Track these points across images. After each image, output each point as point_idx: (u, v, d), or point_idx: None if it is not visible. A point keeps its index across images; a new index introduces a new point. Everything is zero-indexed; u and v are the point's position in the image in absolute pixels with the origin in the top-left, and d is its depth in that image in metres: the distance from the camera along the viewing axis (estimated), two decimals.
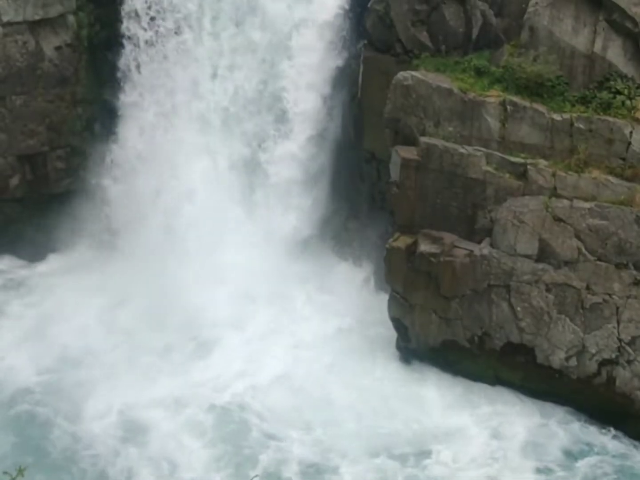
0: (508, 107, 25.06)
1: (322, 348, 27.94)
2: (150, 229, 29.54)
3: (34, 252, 30.58)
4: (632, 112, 24.42)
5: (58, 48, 29.18)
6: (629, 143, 24.14)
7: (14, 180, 30.02)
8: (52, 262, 31.20)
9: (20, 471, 9.86)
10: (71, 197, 30.39)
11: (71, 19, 29.26)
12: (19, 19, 28.35)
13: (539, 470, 24.28)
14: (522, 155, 25.13)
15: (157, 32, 29.75)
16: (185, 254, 28.60)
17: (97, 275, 29.86)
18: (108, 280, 29.32)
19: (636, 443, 24.87)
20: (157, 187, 29.99)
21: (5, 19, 28.13)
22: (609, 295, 24.41)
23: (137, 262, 28.88)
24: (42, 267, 31.16)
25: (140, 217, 29.90)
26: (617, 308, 24.39)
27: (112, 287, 29.07)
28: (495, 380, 26.19)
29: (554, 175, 24.60)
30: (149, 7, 29.50)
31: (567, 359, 25.10)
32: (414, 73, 26.22)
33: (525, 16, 25.37)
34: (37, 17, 28.62)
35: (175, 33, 29.73)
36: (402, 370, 27.03)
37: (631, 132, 24.08)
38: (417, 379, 26.86)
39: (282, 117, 30.14)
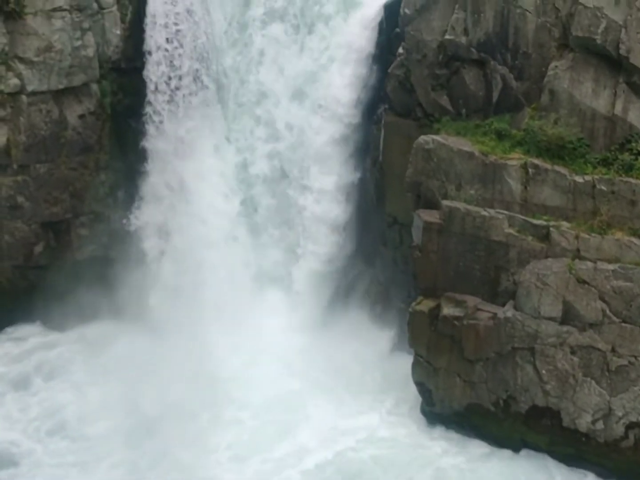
0: (530, 169, 26.12)
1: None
2: (179, 301, 30.77)
3: (58, 320, 31.42)
4: None
5: (82, 116, 30.67)
6: None
7: (38, 248, 31.24)
8: (75, 332, 31.87)
9: None
10: (95, 263, 31.51)
11: (95, 87, 30.78)
12: (44, 88, 29.86)
13: None
14: (545, 217, 26.03)
15: (178, 102, 31.70)
16: (217, 329, 29.78)
17: (121, 348, 30.37)
18: (133, 356, 29.65)
19: None
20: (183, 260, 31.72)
21: (30, 88, 29.64)
22: (635, 357, 24.97)
23: (167, 336, 29.74)
24: (65, 337, 31.82)
25: (170, 289, 31.34)
26: None
27: (137, 365, 29.30)
28: (521, 444, 26.66)
29: (577, 237, 25.47)
30: (169, 79, 31.66)
31: (594, 422, 25.60)
32: (435, 137, 27.36)
33: (545, 79, 26.54)
34: (61, 86, 30.13)
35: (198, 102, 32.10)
36: (425, 434, 28.04)
37: None
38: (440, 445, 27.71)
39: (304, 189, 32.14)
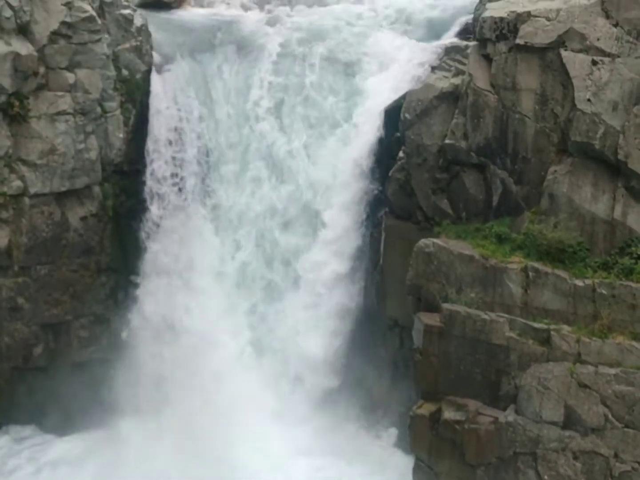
0: (530, 273, 26.72)
1: None
2: (183, 405, 31.16)
3: (58, 424, 31.83)
4: None
5: (83, 218, 31.48)
6: None
7: (38, 349, 31.70)
8: (76, 437, 32.11)
9: None
10: (94, 365, 32.03)
11: (97, 190, 31.67)
12: (46, 190, 30.71)
13: None
14: (545, 321, 26.53)
15: (178, 205, 32.93)
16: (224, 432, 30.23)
17: (128, 453, 30.42)
18: (141, 463, 29.80)
19: None
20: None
21: (32, 190, 30.46)
22: (639, 463, 25.16)
23: (172, 442, 30.15)
24: (64, 444, 32.09)
25: (171, 392, 31.85)
26: None
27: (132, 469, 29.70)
28: None
29: (577, 341, 25.92)
30: (171, 182, 32.84)
31: None
32: (435, 240, 28.07)
33: (545, 184, 27.40)
34: (63, 189, 30.98)
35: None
36: None
37: None
38: None
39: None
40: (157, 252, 32.61)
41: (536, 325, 26.63)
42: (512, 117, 27.82)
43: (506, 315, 26.97)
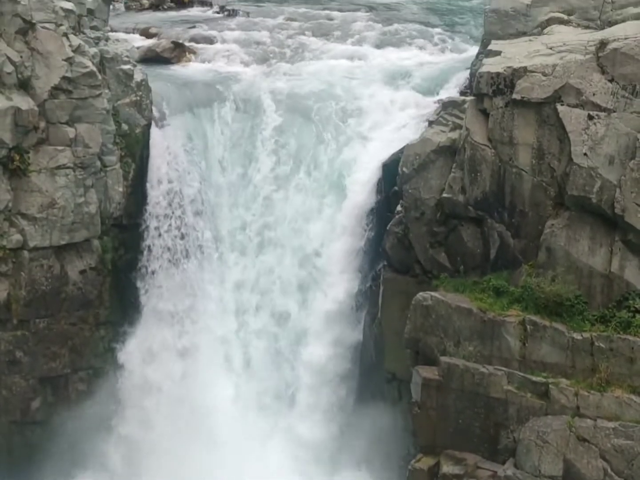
0: (528, 326, 26.89)
1: None
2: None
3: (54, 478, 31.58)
4: None
5: (83, 272, 31.60)
6: None
7: (35, 403, 31.63)
8: None
9: None
10: (93, 418, 31.74)
11: (96, 243, 31.80)
12: (46, 244, 30.83)
13: None
14: (544, 374, 26.66)
15: (177, 259, 33.19)
16: None
17: None
18: None
19: None
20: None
21: (32, 244, 30.60)
22: None
23: None
24: None
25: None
26: None
27: None
28: None
29: (576, 394, 26.04)
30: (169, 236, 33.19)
31: None
32: (433, 294, 28.31)
33: (542, 237, 27.63)
34: (63, 242, 31.10)
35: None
36: None
37: None
38: None
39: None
40: (155, 306, 32.87)
41: (534, 378, 26.75)
42: (509, 171, 28.15)
43: (504, 369, 27.09)
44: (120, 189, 32.29)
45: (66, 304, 31.76)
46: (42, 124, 30.78)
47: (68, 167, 31.02)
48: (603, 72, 27.11)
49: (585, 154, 26.89)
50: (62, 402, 32.12)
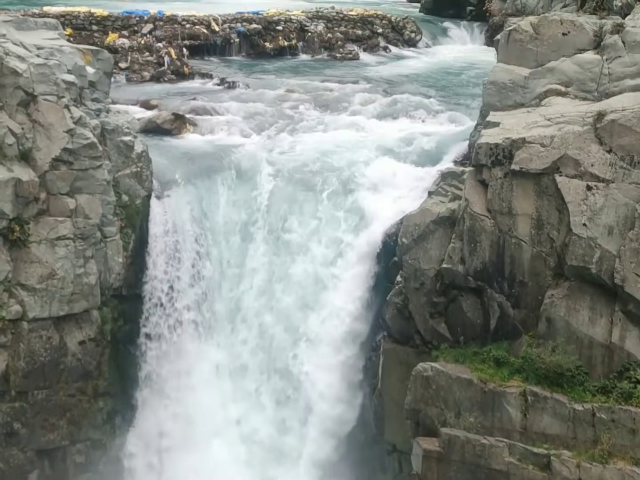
0: (529, 397, 26.85)
1: None
2: None
3: None
4: None
5: (82, 343, 31.46)
6: None
7: (33, 476, 31.28)
8: None
9: None
10: None
11: (96, 314, 31.74)
12: (45, 315, 30.75)
13: None
14: (545, 445, 26.55)
15: (175, 331, 33.23)
16: None
17: None
18: None
19: None
20: None
21: (31, 315, 30.52)
22: None
23: None
24: None
25: None
26: None
27: None
28: None
29: (578, 466, 25.88)
30: (168, 307, 33.28)
31: None
32: (433, 364, 28.29)
33: (542, 308, 27.76)
34: (62, 313, 31.04)
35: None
36: None
37: None
38: None
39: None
40: (155, 377, 32.80)
41: (536, 450, 26.65)
42: (508, 241, 28.31)
43: (506, 440, 27.01)
44: (120, 260, 32.38)
45: (65, 375, 31.58)
46: (43, 195, 30.95)
47: (68, 238, 31.11)
48: (601, 143, 27.41)
49: (584, 225, 27.08)
50: (60, 474, 31.87)
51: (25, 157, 30.79)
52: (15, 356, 30.84)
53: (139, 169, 33.21)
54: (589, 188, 27.16)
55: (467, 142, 33.03)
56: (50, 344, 31.33)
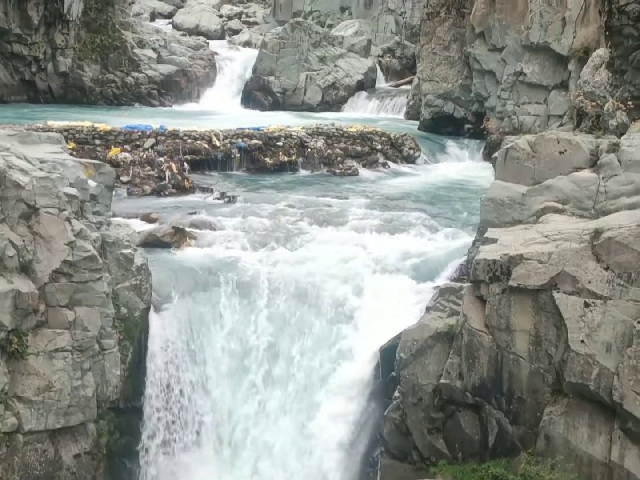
0: None
1: None
2: None
3: None
4: None
5: (77, 456, 30.97)
6: None
7: None
8: None
9: None
10: None
11: (92, 427, 31.31)
12: (41, 427, 30.36)
13: None
14: None
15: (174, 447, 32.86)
16: None
17: None
18: None
19: None
20: None
21: (26, 427, 30.10)
22: None
23: None
24: None
25: None
26: None
27: None
28: None
29: None
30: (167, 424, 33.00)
31: None
32: None
33: (541, 424, 27.58)
34: (58, 426, 30.66)
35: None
36: None
37: None
38: None
39: None
40: None
41: None
42: (506, 357, 28.37)
43: None
44: (118, 373, 32.25)
45: None
46: (42, 307, 31.01)
47: (66, 350, 30.98)
48: (598, 260, 27.67)
49: (582, 341, 27.19)
50: None
51: (26, 269, 30.94)
52: (9, 470, 30.44)
53: (138, 282, 33.38)
54: (586, 305, 27.34)
55: (465, 258, 33.33)
56: (45, 457, 31.01)
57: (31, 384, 30.80)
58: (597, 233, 27.94)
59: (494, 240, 29.79)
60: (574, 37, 54.16)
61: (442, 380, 29.39)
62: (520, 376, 28.20)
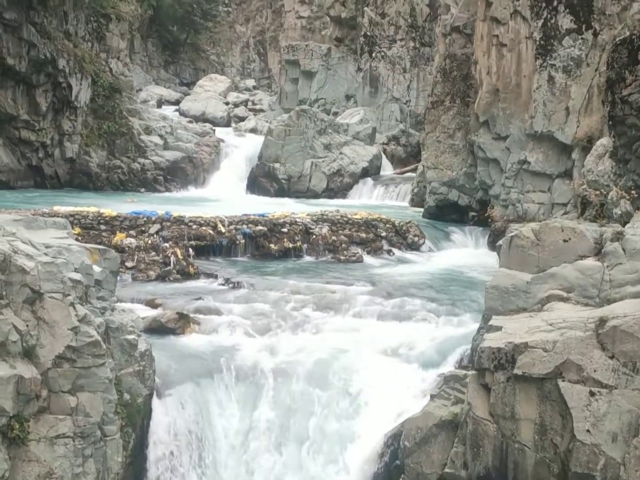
0: None
1: None
2: None
3: None
4: None
5: None
6: None
7: None
8: None
9: None
10: None
11: None
12: None
13: None
14: None
15: None
16: None
17: None
18: None
19: None
20: None
21: None
22: None
23: None
24: None
25: None
26: None
27: None
28: None
29: None
30: None
31: None
32: None
33: None
34: None
35: None
36: None
37: None
38: None
39: None
40: None
41: None
42: (511, 446, 28.15)
43: None
44: (120, 459, 31.95)
45: None
46: (44, 393, 30.83)
47: (68, 437, 30.73)
48: (603, 349, 27.61)
49: (587, 430, 27.01)
50: None
51: (29, 354, 30.85)
52: None
53: (141, 368, 33.26)
54: (592, 394, 27.21)
55: (469, 346, 33.26)
56: None
57: (32, 470, 30.51)
58: (602, 321, 27.91)
59: (498, 328, 29.74)
60: (578, 126, 54.60)
61: (446, 470, 29.14)
62: (526, 466, 27.95)
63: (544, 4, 56.56)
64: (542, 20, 56.67)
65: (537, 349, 28.03)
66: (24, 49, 77.30)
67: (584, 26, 55.33)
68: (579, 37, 55.41)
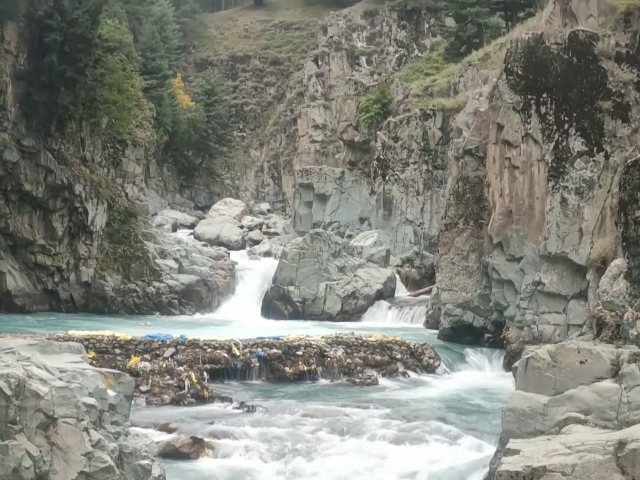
0: None
1: None
2: None
3: None
4: None
5: None
6: None
7: None
8: None
9: None
10: None
11: None
12: None
13: None
14: None
15: None
16: None
17: None
18: None
19: None
20: None
21: None
22: None
23: None
24: None
25: None
26: None
27: None
28: None
29: None
30: None
31: None
32: None
33: None
34: None
35: None
36: None
37: None
38: None
39: None
40: None
41: None
42: None
43: None
44: None
45: None
46: None
47: None
48: (623, 473, 27.31)
49: None
50: None
51: None
52: None
53: None
54: None
55: (487, 469, 32.84)
56: None
57: None
58: (621, 444, 27.63)
59: (516, 452, 29.45)
60: (592, 248, 54.80)
61: None
62: None
63: (555, 127, 57.28)
64: (553, 143, 57.32)
65: (556, 472, 27.71)
66: (41, 175, 78.53)
67: (595, 148, 55.98)
68: (591, 159, 56.00)
